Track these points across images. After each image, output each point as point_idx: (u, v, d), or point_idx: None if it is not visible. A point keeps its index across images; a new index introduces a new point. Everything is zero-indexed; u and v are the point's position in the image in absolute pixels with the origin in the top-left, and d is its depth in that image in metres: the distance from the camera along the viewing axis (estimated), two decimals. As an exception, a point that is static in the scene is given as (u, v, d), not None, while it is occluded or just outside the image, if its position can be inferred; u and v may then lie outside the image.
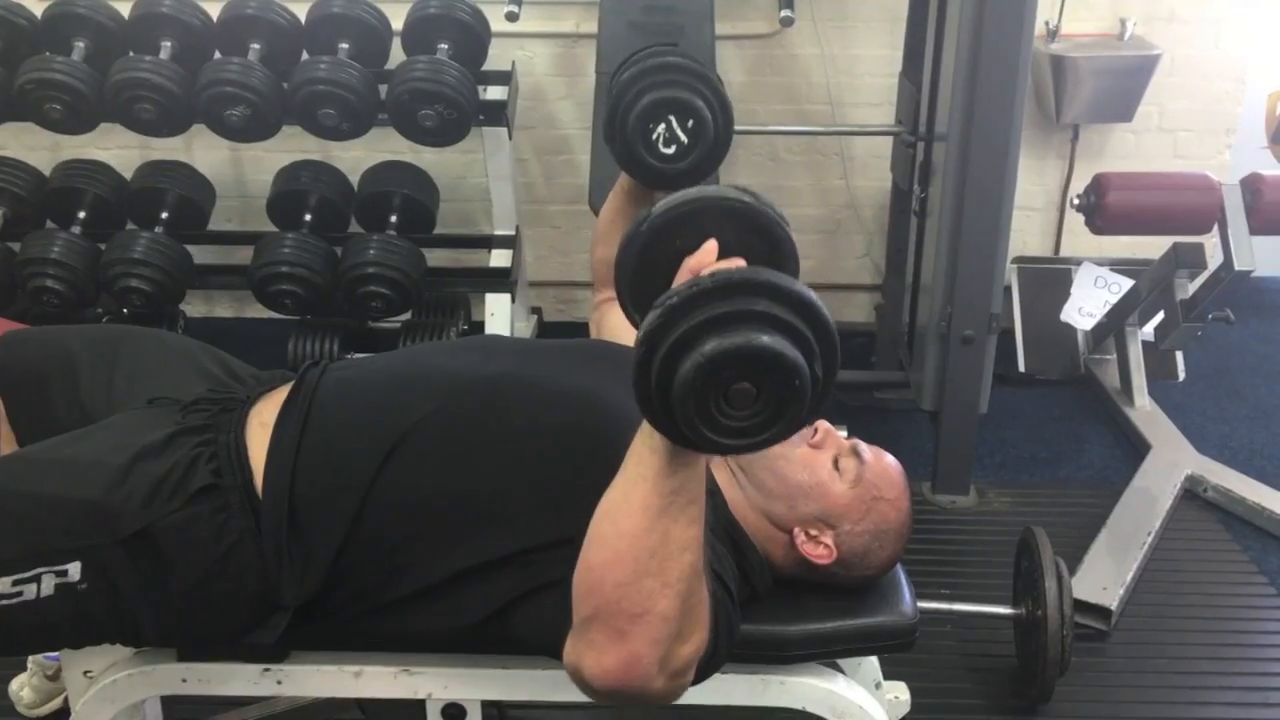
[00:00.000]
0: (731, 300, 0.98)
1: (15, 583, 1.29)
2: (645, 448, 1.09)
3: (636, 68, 1.56)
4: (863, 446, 1.53)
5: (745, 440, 1.02)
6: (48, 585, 1.29)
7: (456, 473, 1.34)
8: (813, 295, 1.01)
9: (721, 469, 1.53)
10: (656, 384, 1.00)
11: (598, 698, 1.16)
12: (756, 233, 1.11)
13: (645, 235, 1.12)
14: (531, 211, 3.75)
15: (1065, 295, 3.53)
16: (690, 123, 1.51)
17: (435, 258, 3.36)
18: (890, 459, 1.55)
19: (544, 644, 1.28)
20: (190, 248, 3.25)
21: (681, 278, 1.09)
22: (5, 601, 1.29)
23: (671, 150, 1.51)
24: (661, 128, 1.50)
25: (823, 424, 1.55)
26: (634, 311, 1.12)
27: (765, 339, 0.97)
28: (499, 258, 3.33)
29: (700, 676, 1.24)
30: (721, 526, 1.42)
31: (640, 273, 1.13)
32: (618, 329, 1.62)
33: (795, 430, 1.04)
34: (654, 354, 0.99)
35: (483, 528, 1.32)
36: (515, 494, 1.33)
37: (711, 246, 1.10)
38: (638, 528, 1.08)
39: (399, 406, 1.39)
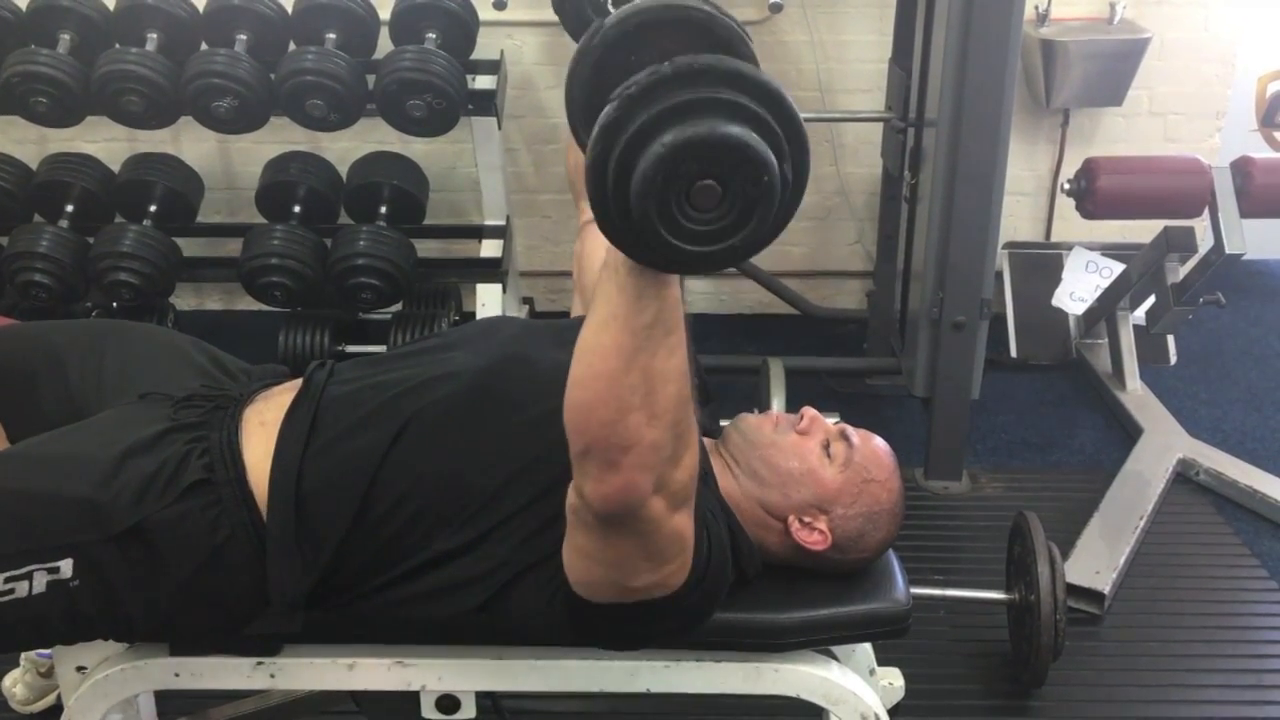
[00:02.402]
0: (695, 88, 0.89)
1: (7, 580, 1.29)
2: (612, 285, 1.04)
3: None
4: (851, 430, 1.53)
5: (710, 247, 0.93)
6: (39, 582, 1.29)
7: (456, 455, 1.36)
8: (783, 88, 0.92)
9: (715, 459, 1.53)
10: (614, 184, 0.90)
11: (599, 523, 1.18)
12: (719, 49, 0.97)
13: (597, 51, 1.00)
14: (522, 201, 3.74)
15: (1056, 280, 3.53)
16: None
17: (425, 248, 3.35)
18: (879, 441, 1.56)
19: (536, 624, 1.29)
20: (179, 240, 3.23)
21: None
22: (-3, 598, 1.28)
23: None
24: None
25: (809, 410, 1.55)
26: (582, 134, 1.00)
27: (732, 128, 0.89)
28: (490, 248, 3.32)
29: (697, 589, 1.28)
30: (723, 524, 1.42)
31: (594, 96, 0.99)
32: (597, 251, 1.53)
33: (764, 239, 0.95)
34: (610, 149, 0.90)
35: (481, 509, 1.34)
36: (512, 475, 1.35)
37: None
38: (615, 369, 1.06)
39: (403, 403, 1.40)
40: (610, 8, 1.37)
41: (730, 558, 1.37)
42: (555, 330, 1.54)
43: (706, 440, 1.59)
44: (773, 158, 0.90)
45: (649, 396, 1.07)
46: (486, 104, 3.13)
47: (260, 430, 1.40)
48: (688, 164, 0.88)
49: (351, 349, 3.28)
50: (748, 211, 0.92)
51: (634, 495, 1.13)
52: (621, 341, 1.05)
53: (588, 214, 1.55)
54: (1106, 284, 3.41)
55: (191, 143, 3.59)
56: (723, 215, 0.91)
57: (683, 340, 1.09)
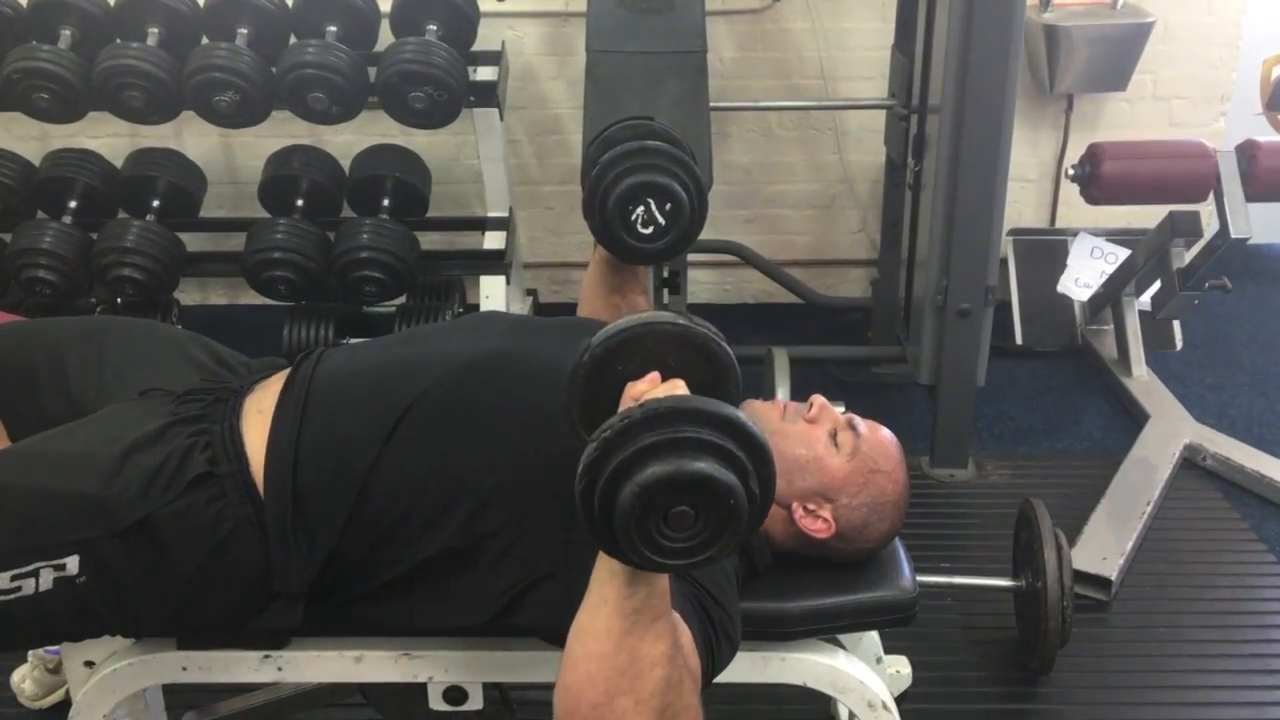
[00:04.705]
0: (661, 430, 1.01)
1: (14, 578, 1.29)
2: (605, 571, 1.12)
3: (617, 150, 1.61)
4: (858, 420, 1.53)
5: (689, 560, 1.05)
6: (46, 580, 1.29)
7: (451, 451, 1.35)
8: (740, 415, 1.04)
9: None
10: (600, 513, 1.03)
11: None
12: (695, 352, 1.15)
13: (587, 366, 1.15)
14: (525, 192, 3.73)
15: (1061, 266, 3.53)
16: (668, 206, 1.57)
17: (429, 241, 3.34)
18: (886, 431, 1.55)
19: (551, 630, 1.29)
20: (182, 235, 3.23)
21: (625, 404, 1.12)
22: (4, 597, 1.29)
23: (649, 231, 1.59)
24: (640, 210, 1.57)
25: (818, 399, 1.55)
26: (583, 434, 1.14)
27: (697, 465, 1.01)
28: (493, 240, 3.32)
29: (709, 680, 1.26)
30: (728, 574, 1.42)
31: (587, 400, 1.16)
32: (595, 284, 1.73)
33: (735, 545, 1.06)
34: (594, 485, 1.03)
35: (479, 507, 1.33)
36: (507, 469, 1.34)
37: (653, 376, 1.13)
38: (605, 649, 1.11)
39: (397, 390, 1.39)
40: (640, 228, 1.60)
41: (737, 629, 1.36)
42: (548, 326, 1.54)
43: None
44: (736, 481, 1.02)
45: (636, 680, 1.10)
46: (488, 95, 3.12)
47: (259, 418, 1.40)
48: (661, 497, 1.01)
49: (355, 343, 3.28)
50: (720, 529, 1.04)
51: None
52: (612, 624, 1.10)
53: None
54: (1111, 270, 3.40)
55: (194, 137, 3.59)
56: (698, 534, 1.03)
57: (670, 629, 1.14)
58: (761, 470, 1.04)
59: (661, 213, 1.57)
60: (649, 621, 1.11)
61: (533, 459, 1.33)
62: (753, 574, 1.48)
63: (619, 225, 1.57)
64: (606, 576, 1.11)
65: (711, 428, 1.03)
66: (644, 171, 1.58)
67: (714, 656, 1.27)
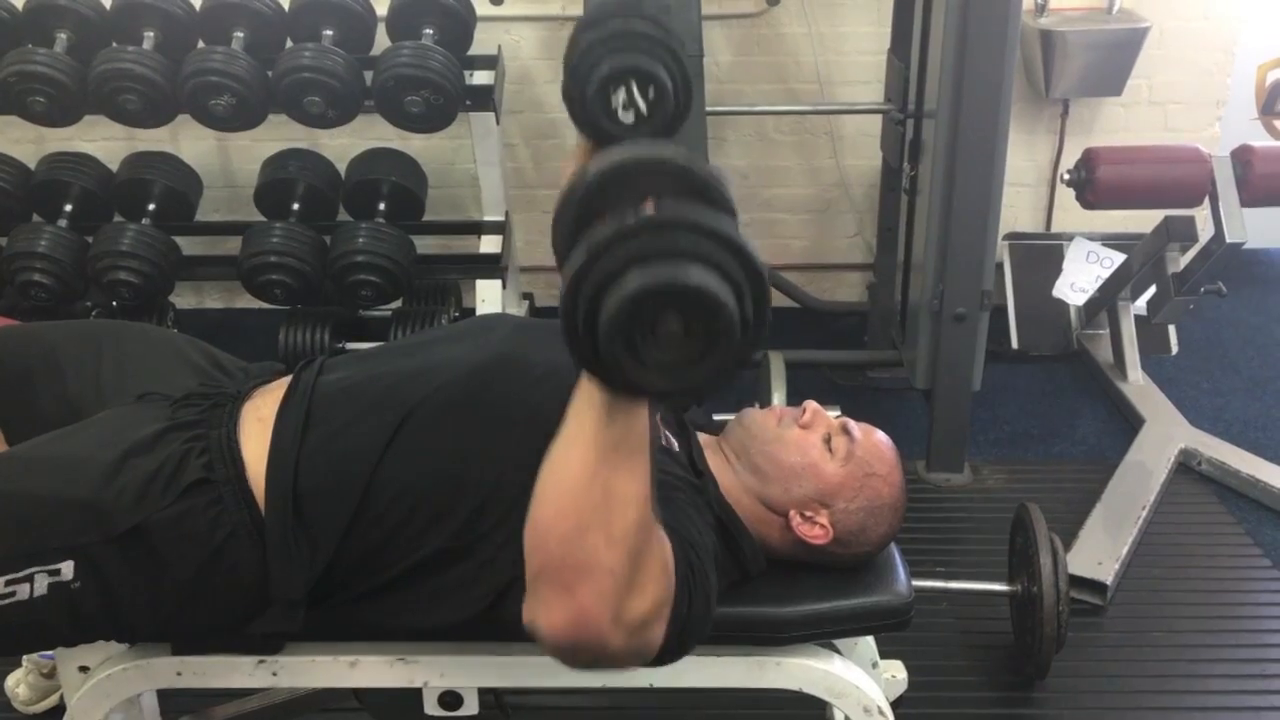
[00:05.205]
0: (657, 237, 0.97)
1: (8, 583, 1.28)
2: (583, 403, 1.08)
3: (600, 30, 1.49)
4: (852, 424, 1.53)
5: (673, 380, 1.00)
6: (41, 585, 1.29)
7: (453, 451, 1.35)
8: (742, 236, 0.99)
9: (715, 454, 1.53)
10: (584, 322, 0.98)
11: (556, 655, 1.14)
12: (694, 193, 1.08)
13: (582, 193, 1.09)
14: (521, 196, 3.73)
15: (1057, 271, 3.54)
16: (651, 91, 1.46)
17: (425, 245, 3.34)
18: (881, 435, 1.55)
19: None
20: (178, 239, 3.23)
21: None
22: (-1, 602, 1.28)
23: (630, 117, 1.47)
24: (621, 94, 1.45)
25: (811, 404, 1.55)
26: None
27: (689, 274, 0.96)
28: (489, 243, 3.32)
29: (677, 642, 1.22)
30: (712, 511, 1.41)
31: (577, 234, 1.07)
32: None
33: (726, 373, 1.01)
34: (580, 292, 0.98)
35: (477, 507, 1.34)
36: (508, 473, 1.33)
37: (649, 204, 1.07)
38: (578, 483, 1.07)
39: (400, 397, 1.39)
40: (620, 113, 1.47)
41: (714, 593, 1.33)
42: (550, 329, 1.54)
43: (706, 437, 1.59)
44: (730, 298, 0.97)
45: (609, 516, 1.07)
46: (484, 99, 3.12)
47: (258, 426, 1.40)
48: (649, 307, 0.96)
49: (351, 346, 3.28)
50: (709, 346, 0.98)
51: (589, 628, 1.09)
52: (586, 457, 1.07)
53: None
54: (1107, 274, 3.41)
55: (190, 141, 3.58)
56: (686, 351, 0.98)
57: (647, 469, 1.10)
58: (756, 294, 0.99)
59: (644, 98, 1.44)
60: (625, 457, 1.07)
61: (533, 459, 1.33)
62: (745, 578, 1.47)
63: (600, 110, 1.44)
64: (584, 408, 1.07)
65: (709, 240, 0.97)
66: (628, 53, 1.45)
67: (690, 594, 1.23)
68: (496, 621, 1.36)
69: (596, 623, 1.09)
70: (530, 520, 1.11)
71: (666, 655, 1.24)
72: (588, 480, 1.07)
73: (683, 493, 1.37)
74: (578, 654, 1.12)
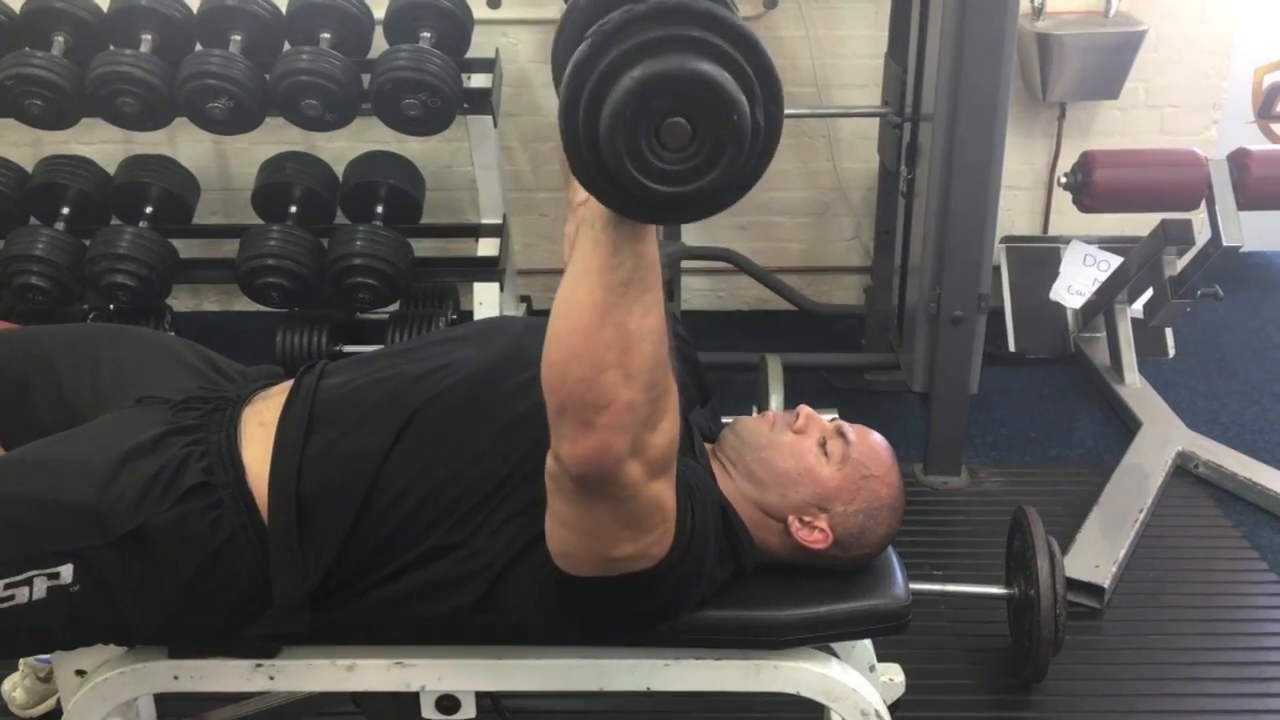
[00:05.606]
0: (668, 26, 0.89)
1: (7, 586, 1.29)
2: (588, 240, 1.04)
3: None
4: (846, 427, 1.53)
5: (680, 187, 0.92)
6: (40, 588, 1.29)
7: (456, 452, 1.36)
8: (758, 38, 0.92)
9: (712, 463, 1.53)
10: (584, 121, 0.90)
11: (576, 486, 1.16)
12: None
13: (584, 9, 1.02)
14: (518, 199, 3.73)
15: (1054, 274, 3.54)
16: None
17: (422, 247, 3.34)
18: (876, 436, 1.55)
19: (533, 622, 1.29)
20: (175, 242, 3.22)
21: None
22: (-3, 605, 1.28)
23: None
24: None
25: (804, 409, 1.55)
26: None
27: (703, 64, 0.88)
28: (487, 246, 3.31)
29: (680, 555, 1.26)
30: (712, 501, 1.42)
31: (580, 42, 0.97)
32: None
33: (735, 184, 0.94)
34: (582, 86, 0.90)
35: (477, 504, 1.34)
36: (509, 470, 1.35)
37: None
38: (590, 324, 1.05)
39: (404, 400, 1.40)
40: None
41: (715, 535, 1.35)
42: None
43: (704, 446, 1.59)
44: (743, 97, 0.90)
45: (624, 354, 1.06)
46: (482, 102, 3.12)
47: (259, 431, 1.40)
48: (657, 99, 0.88)
49: (349, 349, 3.27)
50: (717, 151, 0.91)
51: (609, 457, 1.11)
52: (596, 297, 1.04)
53: (580, 195, 1.38)
54: (1104, 277, 3.41)
55: (187, 144, 3.58)
56: (693, 154, 0.91)
57: (659, 300, 1.08)
58: (770, 100, 0.92)
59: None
60: (637, 293, 1.05)
61: (536, 450, 1.33)
62: (740, 573, 1.47)
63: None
64: (590, 245, 1.03)
65: (723, 35, 0.89)
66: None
67: (691, 511, 1.25)
68: (492, 615, 1.37)
69: (617, 454, 1.11)
70: (546, 360, 1.10)
71: (668, 577, 1.27)
72: (599, 321, 1.05)
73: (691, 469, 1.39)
74: (595, 482, 1.14)
